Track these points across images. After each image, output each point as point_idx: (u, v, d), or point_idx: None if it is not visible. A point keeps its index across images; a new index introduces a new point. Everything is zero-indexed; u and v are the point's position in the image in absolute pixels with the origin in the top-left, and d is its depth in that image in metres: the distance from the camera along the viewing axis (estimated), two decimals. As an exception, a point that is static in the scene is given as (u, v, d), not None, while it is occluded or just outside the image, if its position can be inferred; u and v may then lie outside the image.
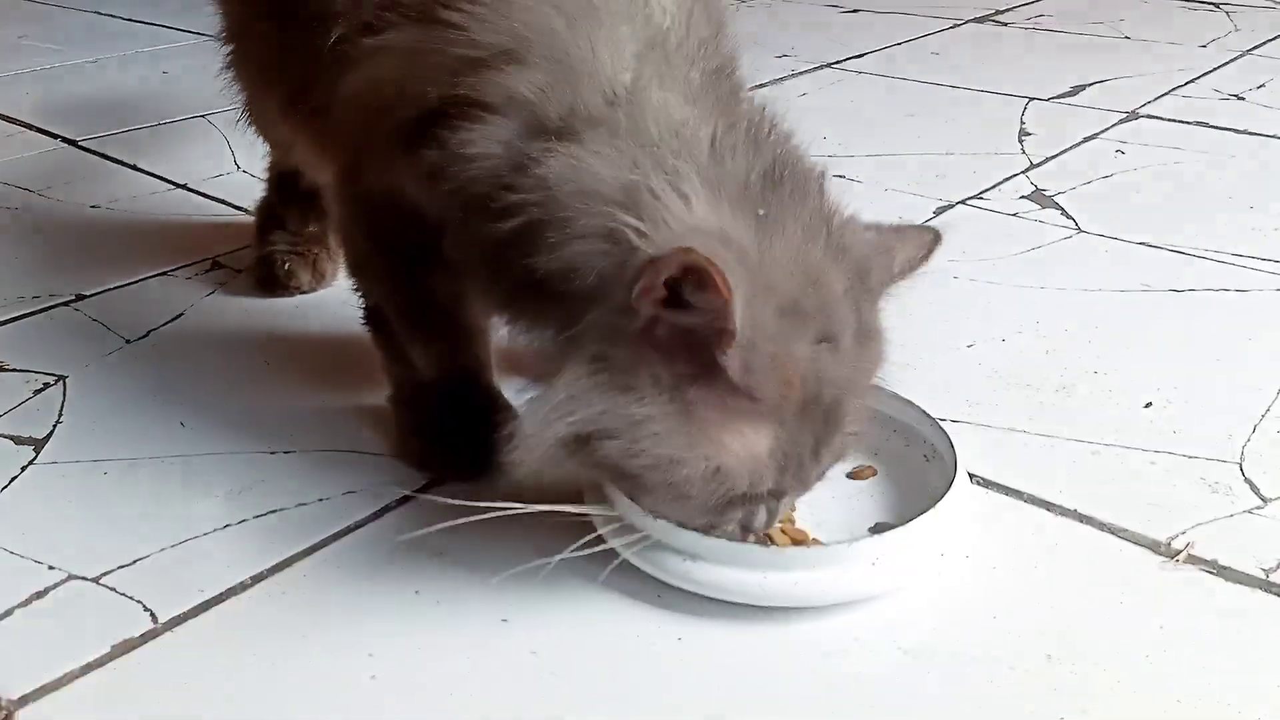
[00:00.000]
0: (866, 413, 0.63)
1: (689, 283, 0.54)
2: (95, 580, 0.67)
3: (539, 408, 0.58)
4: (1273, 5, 2.08)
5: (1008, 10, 2.11)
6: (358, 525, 0.71)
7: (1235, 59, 1.73)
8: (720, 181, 0.58)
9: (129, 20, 2.15)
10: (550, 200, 0.59)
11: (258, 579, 0.66)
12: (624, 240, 0.56)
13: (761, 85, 1.65)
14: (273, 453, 0.79)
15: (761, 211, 0.58)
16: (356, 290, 0.81)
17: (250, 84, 0.91)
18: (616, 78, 0.61)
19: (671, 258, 0.53)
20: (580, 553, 0.63)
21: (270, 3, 0.80)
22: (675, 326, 0.55)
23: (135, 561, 0.68)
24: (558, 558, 0.63)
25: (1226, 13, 2.04)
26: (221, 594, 0.65)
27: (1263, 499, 0.71)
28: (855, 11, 2.16)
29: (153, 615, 0.64)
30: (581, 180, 0.58)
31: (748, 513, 0.60)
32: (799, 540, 0.67)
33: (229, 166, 1.31)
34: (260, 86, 0.89)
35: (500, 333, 0.77)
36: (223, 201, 1.24)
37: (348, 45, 0.69)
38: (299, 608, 0.64)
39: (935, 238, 0.64)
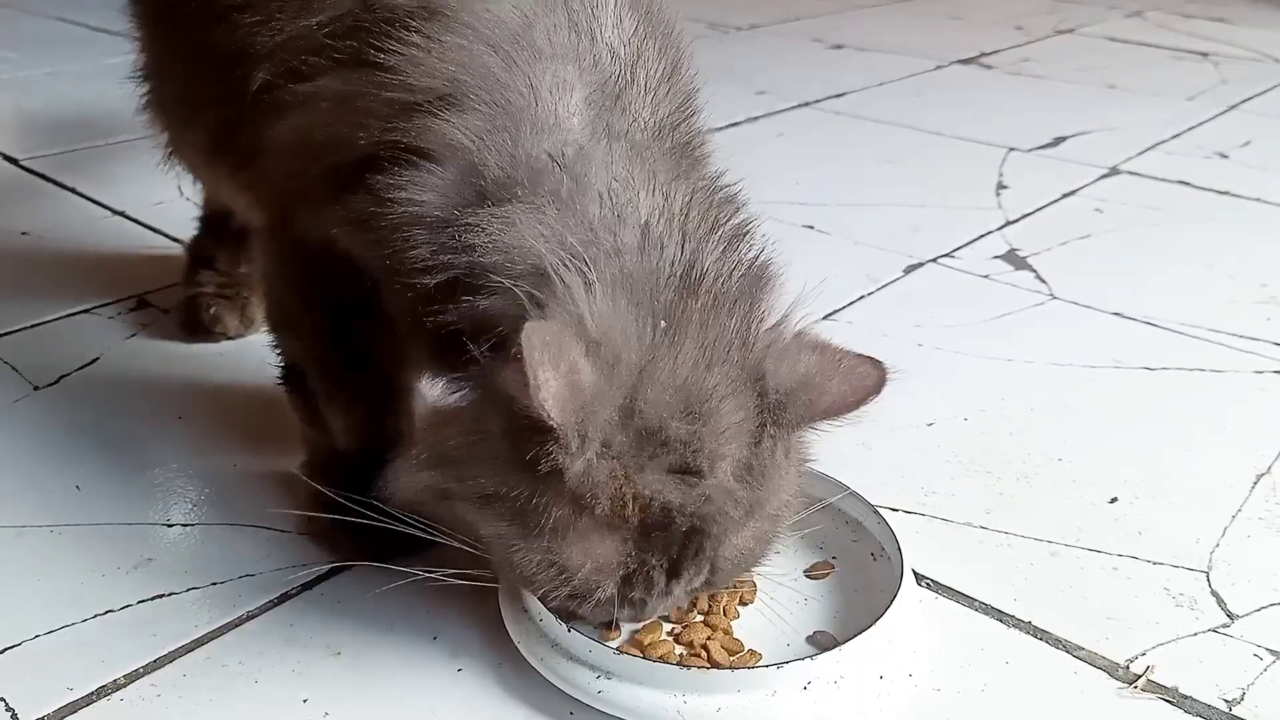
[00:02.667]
0: (762, 546, 0.59)
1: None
2: (-42, 671, 0.61)
3: (409, 458, 0.58)
4: (1260, 58, 2.06)
5: (993, 53, 2.08)
6: (250, 616, 0.65)
7: (1222, 114, 1.70)
8: (636, 278, 0.54)
9: (92, 28, 2.09)
10: (475, 262, 0.56)
11: (132, 677, 0.60)
12: (524, 310, 0.53)
13: (736, 124, 1.61)
14: (170, 524, 0.73)
15: (663, 323, 0.53)
16: (276, 348, 0.76)
17: (171, 125, 0.85)
18: (561, 124, 0.57)
19: (520, 342, 0.49)
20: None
21: (190, 42, 0.74)
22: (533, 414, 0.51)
23: (4, 651, 0.62)
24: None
25: (1214, 63, 2.01)
26: (91, 694, 0.59)
27: (1229, 615, 0.67)
28: (839, 48, 2.12)
29: (14, 716, 0.58)
30: (509, 244, 0.55)
31: (603, 611, 0.57)
32: (733, 651, 0.62)
33: (172, 193, 1.25)
34: (182, 128, 0.84)
35: (424, 399, 0.73)
36: (161, 232, 1.19)
37: (275, 92, 0.65)
38: (170, 715, 0.58)
39: (875, 384, 0.57)
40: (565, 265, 0.53)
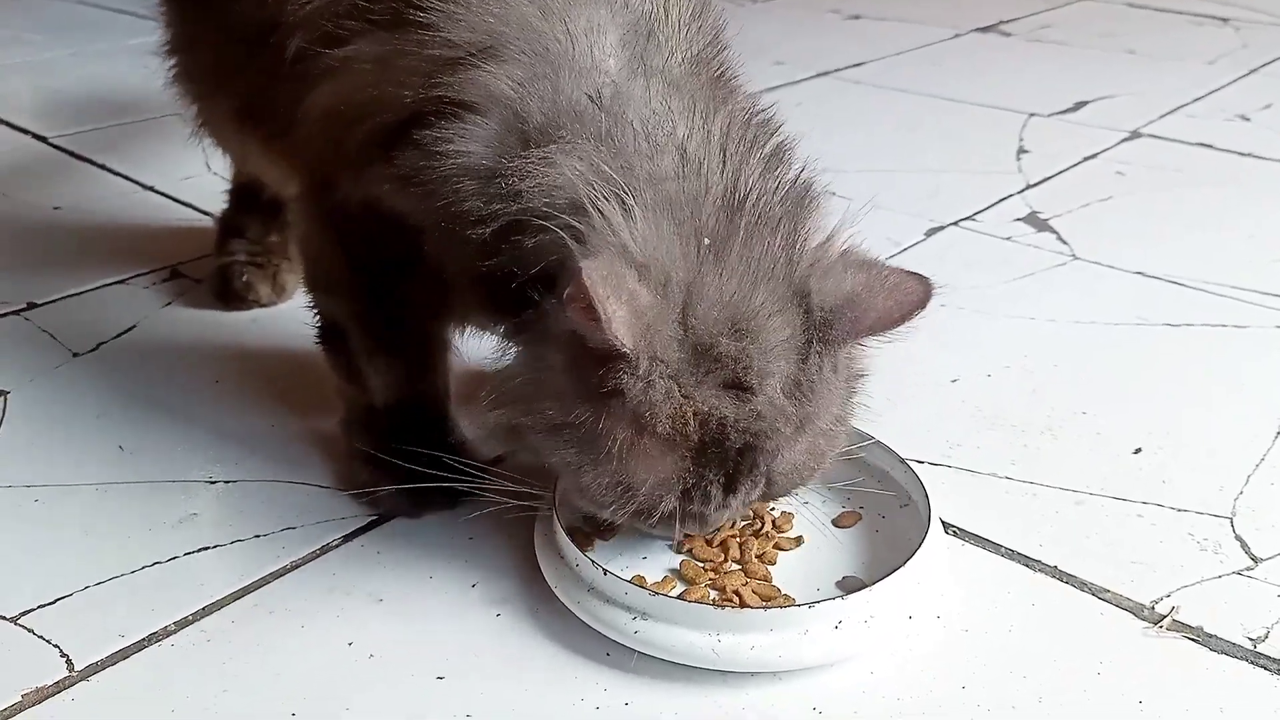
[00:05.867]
0: (816, 460, 0.60)
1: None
2: (14, 620, 0.63)
3: (480, 401, 0.61)
4: (1282, 21, 2.04)
5: (1012, 20, 2.07)
6: (294, 566, 0.67)
7: (1242, 77, 1.69)
8: (675, 199, 0.56)
9: (113, 10, 2.10)
10: (524, 207, 0.57)
11: (181, 624, 0.62)
12: (568, 246, 0.55)
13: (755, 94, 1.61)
14: (212, 482, 0.75)
15: (706, 241, 0.55)
16: (313, 307, 0.77)
17: (200, 97, 0.87)
18: (599, 66, 0.59)
19: (577, 275, 0.51)
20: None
21: (219, 13, 0.76)
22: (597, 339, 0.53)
23: (57, 600, 0.64)
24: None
25: (1235, 28, 1.99)
26: (142, 640, 0.61)
27: (1253, 559, 0.67)
28: (856, 18, 2.11)
29: (69, 661, 0.60)
30: (552, 182, 0.57)
31: (667, 525, 0.59)
32: (766, 597, 0.63)
33: (200, 168, 1.27)
34: (211, 100, 0.85)
35: (461, 356, 0.74)
36: (190, 205, 1.20)
37: (310, 59, 0.66)
38: (221, 658, 0.60)
39: (921, 299, 0.57)
40: (602, 196, 0.55)
